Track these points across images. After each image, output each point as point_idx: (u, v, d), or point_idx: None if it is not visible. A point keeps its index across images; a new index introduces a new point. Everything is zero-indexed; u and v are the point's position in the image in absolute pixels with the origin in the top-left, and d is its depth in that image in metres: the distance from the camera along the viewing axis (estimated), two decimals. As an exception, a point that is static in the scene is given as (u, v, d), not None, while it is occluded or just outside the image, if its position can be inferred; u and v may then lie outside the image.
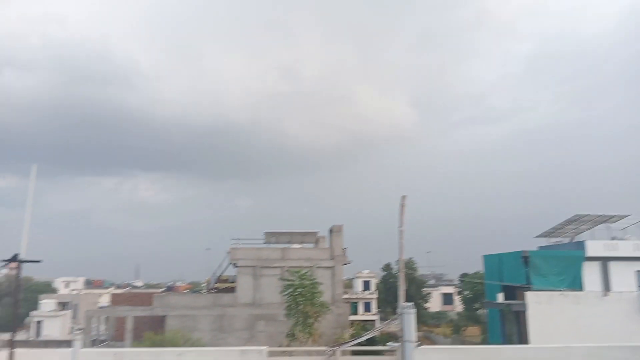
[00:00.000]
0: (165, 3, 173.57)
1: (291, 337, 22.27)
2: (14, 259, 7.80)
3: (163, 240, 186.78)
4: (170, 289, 69.26)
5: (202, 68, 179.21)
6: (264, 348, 8.87)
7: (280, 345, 22.93)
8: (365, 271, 71.59)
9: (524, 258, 28.04)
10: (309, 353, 13.94)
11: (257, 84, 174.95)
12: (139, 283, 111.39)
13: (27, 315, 50.74)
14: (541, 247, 33.27)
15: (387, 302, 78.07)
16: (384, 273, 76.54)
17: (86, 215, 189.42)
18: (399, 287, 8.94)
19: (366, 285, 69.67)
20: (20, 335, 43.36)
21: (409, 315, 8.23)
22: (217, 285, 35.84)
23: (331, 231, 33.66)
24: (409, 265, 61.64)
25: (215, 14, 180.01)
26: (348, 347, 10.37)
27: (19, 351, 8.33)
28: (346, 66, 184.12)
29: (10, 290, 73.00)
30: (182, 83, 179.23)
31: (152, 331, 27.69)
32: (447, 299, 77.85)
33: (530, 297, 26.85)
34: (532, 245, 33.36)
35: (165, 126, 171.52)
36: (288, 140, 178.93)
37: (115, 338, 34.03)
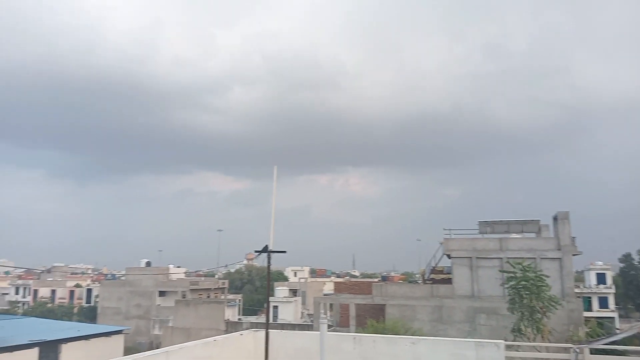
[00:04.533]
0: (363, 3, 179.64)
1: (517, 332, 20.98)
2: (265, 250, 8.88)
3: (375, 231, 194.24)
4: (385, 278, 71.63)
5: (403, 59, 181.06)
6: (501, 342, 8.49)
7: (505, 340, 21.83)
8: (598, 263, 63.74)
9: None
10: (548, 349, 12.98)
11: (460, 67, 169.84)
12: (356, 272, 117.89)
13: (266, 300, 57.67)
14: None
15: (628, 297, 68.50)
16: (622, 265, 67.35)
17: (307, 210, 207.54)
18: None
19: (600, 279, 61.97)
20: (261, 319, 49.40)
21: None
22: (432, 276, 35.75)
23: (555, 219, 30.73)
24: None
25: (411, 2, 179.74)
26: (598, 345, 9.30)
27: (272, 332, 9.45)
28: (559, 34, 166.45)
29: (250, 279, 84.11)
30: (384, 77, 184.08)
31: (372, 319, 28.90)
32: None
33: None
34: None
35: (370, 122, 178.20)
36: (496, 122, 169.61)
37: (340, 324, 36.36)
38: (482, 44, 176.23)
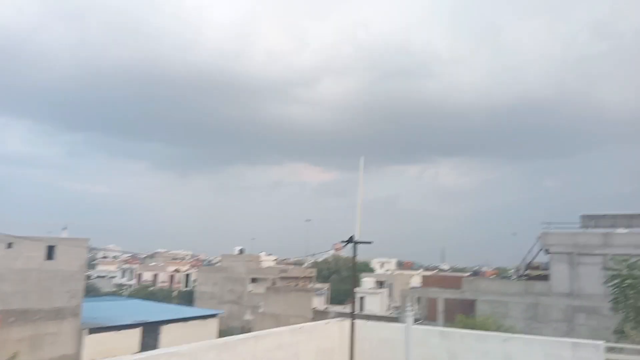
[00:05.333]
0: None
1: (620, 334, 19.49)
2: (350, 240, 8.92)
3: (466, 224, 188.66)
4: (476, 273, 69.29)
5: (501, 43, 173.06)
6: (601, 343, 7.92)
7: (607, 342, 20.39)
8: None
9: None
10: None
11: (564, 49, 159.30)
12: (445, 266, 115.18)
13: (352, 291, 58.02)
14: None
15: None
16: None
17: (394, 201, 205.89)
18: None
19: None
20: (347, 308, 49.79)
21: None
22: (527, 272, 34.09)
23: (668, 213, 28.11)
24: None
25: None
26: None
27: (357, 322, 9.51)
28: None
29: (337, 268, 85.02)
30: (481, 62, 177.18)
31: (461, 314, 28.14)
32: None
33: None
34: None
35: (464, 109, 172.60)
36: (603, 108, 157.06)
37: (428, 318, 35.80)
38: (588, 24, 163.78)
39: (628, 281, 19.53)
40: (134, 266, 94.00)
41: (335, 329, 9.91)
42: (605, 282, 20.99)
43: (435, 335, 8.88)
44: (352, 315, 9.20)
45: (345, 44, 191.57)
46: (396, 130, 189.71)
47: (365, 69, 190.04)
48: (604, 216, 31.52)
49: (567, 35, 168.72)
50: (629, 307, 19.40)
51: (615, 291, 20.03)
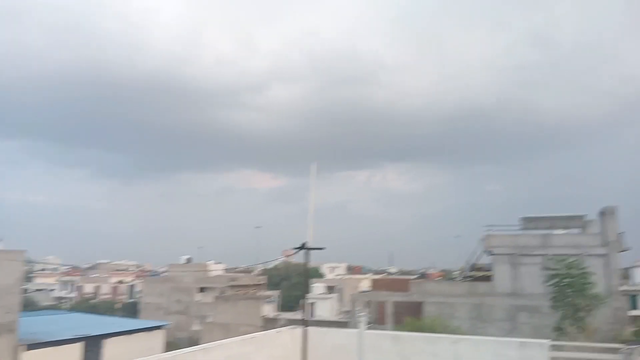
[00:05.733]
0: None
1: (559, 331, 20.40)
2: (303, 247, 8.82)
3: (413, 228, 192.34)
4: (423, 276, 70.79)
5: (444, 52, 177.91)
6: (546, 341, 8.18)
7: (548, 339, 21.22)
8: (646, 259, 61.39)
9: None
10: (594, 349, 12.50)
11: (504, 59, 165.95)
12: (393, 269, 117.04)
13: (303, 297, 57.91)
14: None
15: (679, 296, 65.68)
16: (672, 262, 64.56)
17: (344, 207, 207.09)
18: None
19: (649, 276, 59.57)
20: (298, 315, 49.63)
21: None
22: (471, 273, 35.10)
23: (602, 214, 29.64)
24: None
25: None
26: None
27: (310, 329, 9.40)
28: (609, 20, 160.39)
29: (287, 275, 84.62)
30: (425, 71, 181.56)
31: (410, 316, 28.58)
32: None
33: None
34: None
35: (411, 116, 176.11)
36: (542, 115, 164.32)
37: (377, 321, 36.13)
38: (527, 34, 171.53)
39: (566, 280, 20.47)
40: (75, 278, 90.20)
41: (287, 337, 9.77)
42: (545, 282, 21.92)
43: (387, 340, 8.92)
44: (304, 322, 9.09)
45: (294, 51, 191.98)
46: (345, 136, 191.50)
47: (314, 75, 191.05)
48: (542, 218, 32.92)
49: (506, 44, 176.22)
50: (568, 305, 20.33)
51: (554, 290, 20.95)
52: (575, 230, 32.27)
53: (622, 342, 17.98)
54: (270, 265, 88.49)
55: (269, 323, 38.86)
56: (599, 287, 22.80)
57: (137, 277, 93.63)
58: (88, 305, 67.79)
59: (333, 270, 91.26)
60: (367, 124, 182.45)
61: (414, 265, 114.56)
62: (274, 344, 9.57)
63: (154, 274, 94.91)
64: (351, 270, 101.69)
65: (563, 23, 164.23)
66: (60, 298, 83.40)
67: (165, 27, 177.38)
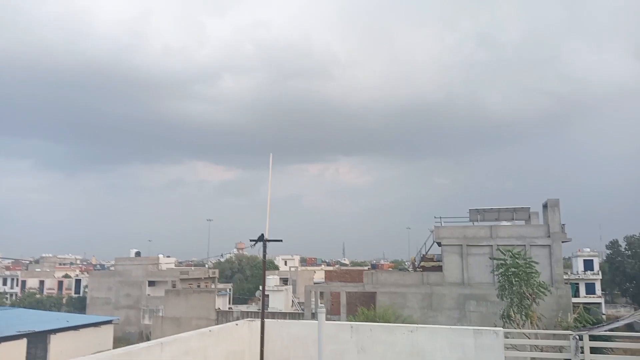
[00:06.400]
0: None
1: (506, 318, 21.14)
2: (261, 239, 8.74)
3: (365, 220, 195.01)
4: (375, 267, 71.86)
5: (395, 49, 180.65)
6: (500, 329, 8.46)
7: (494, 327, 22.03)
8: (586, 249, 64.64)
9: None
10: (547, 336, 13.05)
11: (452, 57, 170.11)
12: (346, 261, 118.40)
13: (257, 289, 57.73)
14: None
15: (615, 283, 69.64)
16: (609, 251, 68.34)
17: (297, 199, 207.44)
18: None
19: (588, 265, 62.85)
20: (251, 307, 49.43)
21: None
22: (422, 264, 35.92)
23: (545, 206, 30.97)
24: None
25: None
26: (599, 332, 9.32)
27: (268, 321, 9.35)
28: (550, 23, 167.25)
29: (240, 268, 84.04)
30: (376, 67, 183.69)
31: (363, 306, 28.99)
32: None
33: None
34: None
35: (362, 111, 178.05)
36: (487, 112, 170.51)
37: (331, 312, 36.45)
38: (474, 34, 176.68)
39: (512, 270, 21.16)
40: (17, 273, 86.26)
41: (245, 330, 9.68)
42: (492, 271, 22.65)
43: (346, 330, 8.99)
44: (262, 314, 9.04)
45: (246, 42, 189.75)
46: (298, 129, 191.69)
47: (266, 67, 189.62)
48: (489, 210, 34.05)
49: (454, 42, 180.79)
50: (514, 294, 21.04)
51: (501, 279, 21.66)
52: (521, 222, 33.56)
53: (566, 328, 18.82)
54: (223, 258, 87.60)
55: (222, 316, 38.48)
56: (543, 276, 23.76)
57: (83, 271, 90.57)
58: (32, 301, 65.03)
59: (287, 263, 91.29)
60: (320, 117, 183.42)
61: (365, 256, 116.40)
62: (231, 337, 9.46)
63: (101, 268, 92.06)
64: (305, 262, 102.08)
65: (507, 24, 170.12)
66: (2, 293, 79.68)
67: (109, 15, 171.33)
